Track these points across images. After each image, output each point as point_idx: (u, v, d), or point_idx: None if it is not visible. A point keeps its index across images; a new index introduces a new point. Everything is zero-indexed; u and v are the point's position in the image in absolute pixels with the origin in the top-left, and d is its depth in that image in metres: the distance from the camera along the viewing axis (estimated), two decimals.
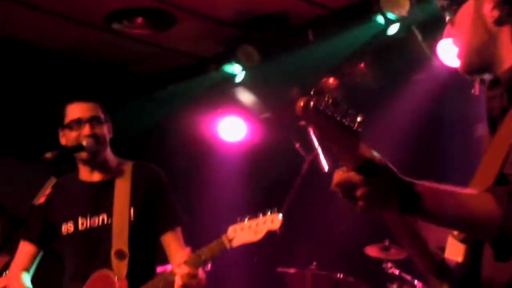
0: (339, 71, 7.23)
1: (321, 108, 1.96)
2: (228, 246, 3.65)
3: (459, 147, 6.24)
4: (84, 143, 4.03)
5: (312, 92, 1.99)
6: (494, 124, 2.32)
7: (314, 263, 6.31)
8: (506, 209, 2.07)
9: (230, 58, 7.43)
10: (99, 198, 4.12)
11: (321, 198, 6.97)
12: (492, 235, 2.10)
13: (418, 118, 6.87)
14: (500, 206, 2.07)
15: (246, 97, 7.70)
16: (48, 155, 3.86)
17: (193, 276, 3.66)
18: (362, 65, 7.11)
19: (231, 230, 3.66)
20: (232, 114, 7.80)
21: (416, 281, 5.86)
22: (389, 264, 6.09)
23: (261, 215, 3.65)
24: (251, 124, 7.83)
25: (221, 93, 7.75)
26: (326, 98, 1.99)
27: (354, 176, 2.08)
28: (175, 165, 7.53)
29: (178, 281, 3.67)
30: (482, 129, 2.48)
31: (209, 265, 3.81)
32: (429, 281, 2.49)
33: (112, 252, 3.98)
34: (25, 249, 4.21)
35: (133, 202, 4.07)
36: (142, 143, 7.85)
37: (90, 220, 4.08)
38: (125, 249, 3.98)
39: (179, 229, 4.11)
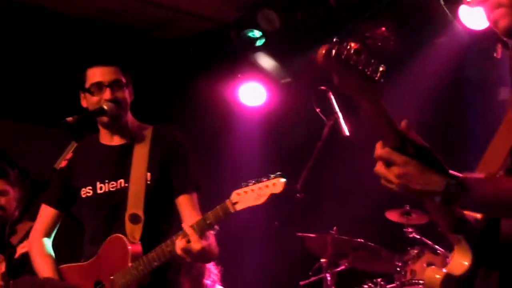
0: (360, 35, 7.18)
1: (343, 56, 1.94)
2: (231, 210, 3.59)
3: (481, 110, 6.20)
4: (105, 107, 4.01)
5: (334, 40, 1.97)
6: None
7: (335, 227, 6.30)
8: None
9: (250, 22, 7.39)
10: (118, 162, 4.10)
11: (342, 162, 7.00)
12: None
13: (440, 82, 6.83)
14: None
15: (266, 62, 7.66)
16: (70, 119, 3.86)
17: (196, 240, 3.64)
18: (383, 28, 7.05)
19: (235, 194, 3.60)
20: (253, 79, 7.78)
21: (437, 246, 5.85)
22: (410, 229, 6.08)
23: (265, 179, 3.58)
24: (272, 89, 7.81)
25: (242, 58, 7.72)
26: (348, 47, 1.96)
27: (396, 155, 2.08)
28: (196, 130, 7.55)
29: (179, 244, 3.67)
30: (505, 92, 2.49)
31: (217, 228, 3.75)
32: (450, 240, 2.50)
33: (126, 216, 3.99)
34: (46, 213, 4.24)
35: (150, 166, 4.04)
36: (163, 108, 7.86)
37: (108, 184, 4.08)
38: (140, 213, 3.98)
39: (195, 194, 4.07)
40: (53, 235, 4.27)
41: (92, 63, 4.11)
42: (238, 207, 3.58)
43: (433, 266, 2.82)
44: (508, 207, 2.19)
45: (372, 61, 1.99)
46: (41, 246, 4.19)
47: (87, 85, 4.09)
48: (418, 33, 6.98)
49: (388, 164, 2.13)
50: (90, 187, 4.10)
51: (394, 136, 2.10)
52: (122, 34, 7.87)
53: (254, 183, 3.58)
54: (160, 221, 3.99)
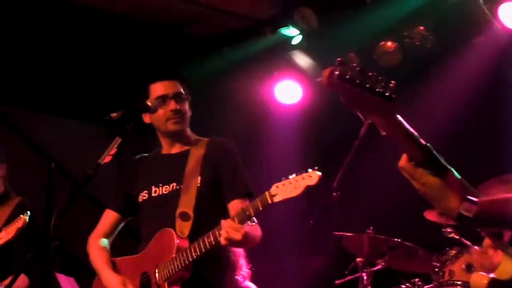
0: (398, 34, 7.15)
1: (347, 76, 1.98)
2: (269, 201, 3.74)
3: None
4: (149, 103, 4.21)
5: (337, 62, 2.00)
6: None
7: (371, 227, 6.28)
8: None
9: (287, 20, 7.38)
10: (173, 168, 4.34)
11: (379, 161, 6.96)
12: None
13: (479, 82, 6.78)
14: None
15: (302, 60, 7.66)
16: (114, 115, 3.96)
17: (236, 229, 3.80)
18: (421, 28, 7.02)
19: (274, 187, 3.76)
20: (289, 77, 7.78)
21: (476, 247, 5.79)
22: (449, 229, 6.03)
23: (303, 172, 3.74)
24: (307, 87, 7.79)
25: (278, 56, 7.72)
26: (352, 67, 1.99)
27: (418, 173, 2.24)
28: (232, 128, 7.55)
29: (223, 233, 3.81)
30: None
31: (255, 220, 3.92)
32: (497, 243, 2.52)
33: (177, 213, 4.17)
34: (108, 217, 4.52)
35: (202, 171, 4.25)
36: (198, 107, 7.87)
37: (162, 188, 4.31)
38: (190, 212, 4.16)
39: (247, 200, 4.22)
40: (112, 237, 4.52)
41: (155, 78, 4.37)
42: (276, 199, 3.73)
43: (480, 272, 2.86)
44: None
45: (380, 78, 2.03)
46: (97, 243, 4.45)
47: (151, 99, 4.28)
48: (457, 32, 6.92)
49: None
50: (146, 191, 4.35)
51: (415, 149, 2.16)
52: (154, 30, 7.89)
53: (292, 177, 3.74)
54: (209, 221, 4.11)
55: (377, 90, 2.03)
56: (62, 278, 5.06)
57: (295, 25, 7.35)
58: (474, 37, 6.95)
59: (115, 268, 4.37)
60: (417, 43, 7.07)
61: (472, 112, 6.81)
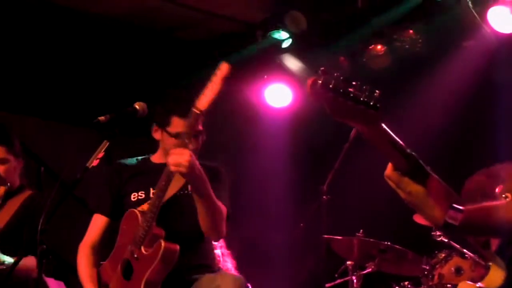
0: (387, 38, 7.16)
1: (331, 85, 1.98)
2: (197, 111, 3.93)
3: (509, 114, 6.15)
4: (137, 107, 4.19)
5: (320, 71, 2.01)
6: None
7: (361, 230, 6.28)
8: None
9: (277, 24, 7.38)
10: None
11: (369, 164, 6.96)
12: None
13: (468, 85, 6.79)
14: None
15: (292, 63, 7.66)
16: (102, 118, 3.96)
17: (180, 151, 3.93)
18: (411, 31, 7.03)
19: (197, 102, 3.94)
20: (279, 80, 7.78)
21: (465, 250, 5.80)
22: (438, 232, 6.03)
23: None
24: (297, 90, 7.80)
25: (268, 60, 7.72)
26: (336, 75, 1.99)
27: (404, 182, 2.24)
28: (221, 131, 7.54)
29: (170, 160, 3.96)
30: None
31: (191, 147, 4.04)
32: (483, 253, 2.54)
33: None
34: (98, 222, 4.49)
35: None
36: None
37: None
38: None
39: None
40: (103, 242, 4.50)
41: (178, 114, 4.31)
42: (202, 106, 3.94)
43: (468, 282, 2.86)
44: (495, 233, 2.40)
45: (364, 87, 2.03)
46: (87, 254, 4.44)
47: (170, 129, 4.33)
48: (446, 36, 6.94)
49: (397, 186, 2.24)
50: (143, 192, 4.38)
51: (400, 158, 2.17)
52: (147, 34, 7.89)
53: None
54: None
55: (362, 99, 2.03)
56: (51, 282, 5.05)
57: (286, 28, 7.35)
58: (463, 40, 6.96)
59: (99, 277, 4.37)
60: (407, 46, 7.08)
61: (461, 114, 6.82)
